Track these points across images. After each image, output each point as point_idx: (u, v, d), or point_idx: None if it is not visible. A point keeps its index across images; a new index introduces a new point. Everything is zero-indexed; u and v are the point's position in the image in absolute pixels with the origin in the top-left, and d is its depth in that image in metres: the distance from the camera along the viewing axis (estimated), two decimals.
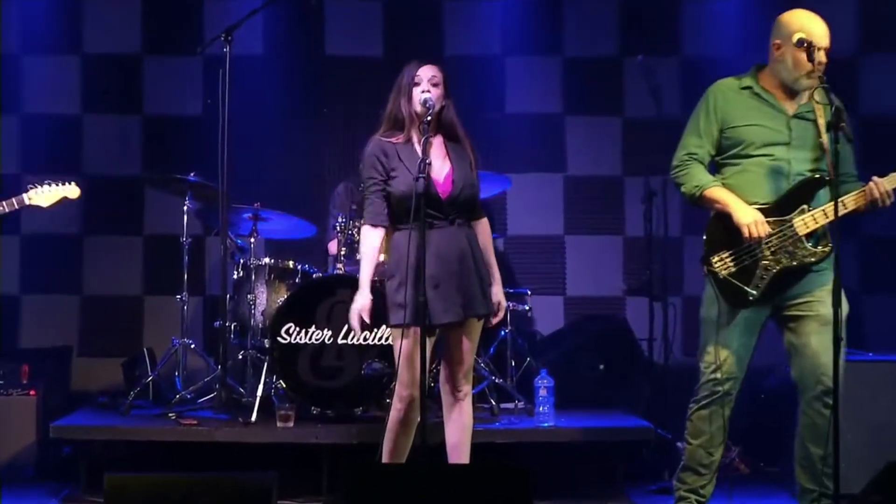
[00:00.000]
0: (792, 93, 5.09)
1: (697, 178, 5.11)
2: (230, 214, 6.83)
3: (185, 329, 7.14)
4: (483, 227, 5.17)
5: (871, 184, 4.93)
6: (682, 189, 5.18)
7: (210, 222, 7.58)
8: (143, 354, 7.53)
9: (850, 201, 4.94)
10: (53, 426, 6.33)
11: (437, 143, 5.02)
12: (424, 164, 4.75)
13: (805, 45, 4.95)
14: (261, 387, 6.57)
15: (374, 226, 4.99)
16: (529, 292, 7.54)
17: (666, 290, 7.58)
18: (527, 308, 7.42)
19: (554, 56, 8.51)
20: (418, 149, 4.92)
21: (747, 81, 5.16)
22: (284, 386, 6.53)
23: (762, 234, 4.92)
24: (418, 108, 4.94)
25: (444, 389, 5.10)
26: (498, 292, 5.12)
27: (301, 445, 6.28)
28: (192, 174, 7.00)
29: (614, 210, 8.45)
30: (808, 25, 5.01)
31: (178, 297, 7.13)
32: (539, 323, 8.14)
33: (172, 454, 6.44)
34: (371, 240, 5.00)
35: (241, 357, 7.03)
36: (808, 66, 4.96)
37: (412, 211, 4.77)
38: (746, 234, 4.92)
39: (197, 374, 7.24)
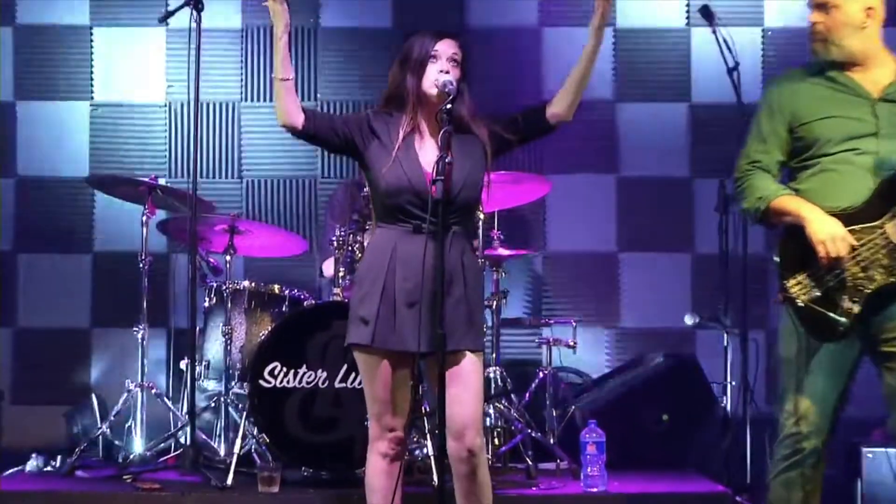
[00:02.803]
0: (876, 71, 5.15)
1: (760, 189, 5.13)
2: (200, 226, 6.88)
3: (144, 370, 7.18)
4: (558, 97, 5.07)
5: None
6: (744, 205, 5.19)
7: (175, 236, 7.62)
8: (91, 401, 7.59)
9: None
10: None
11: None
12: (444, 164, 4.70)
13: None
14: (238, 442, 6.62)
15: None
16: (574, 323, 7.56)
17: (746, 322, 7.57)
18: (571, 343, 7.44)
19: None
20: (425, 141, 4.92)
21: (820, 66, 5.21)
22: (268, 441, 6.57)
23: (842, 252, 4.90)
24: (432, 89, 4.93)
25: (451, 450, 4.99)
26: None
27: None
28: (152, 176, 7.06)
29: (680, 220, 8.49)
30: None
31: (135, 329, 7.18)
32: (587, 362, 8.16)
33: None
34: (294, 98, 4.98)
35: (213, 405, 7.08)
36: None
37: (429, 211, 4.71)
38: (822, 254, 4.90)
39: (159, 426, 7.27)
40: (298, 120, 4.91)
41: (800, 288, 4.96)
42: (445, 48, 4.95)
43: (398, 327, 4.80)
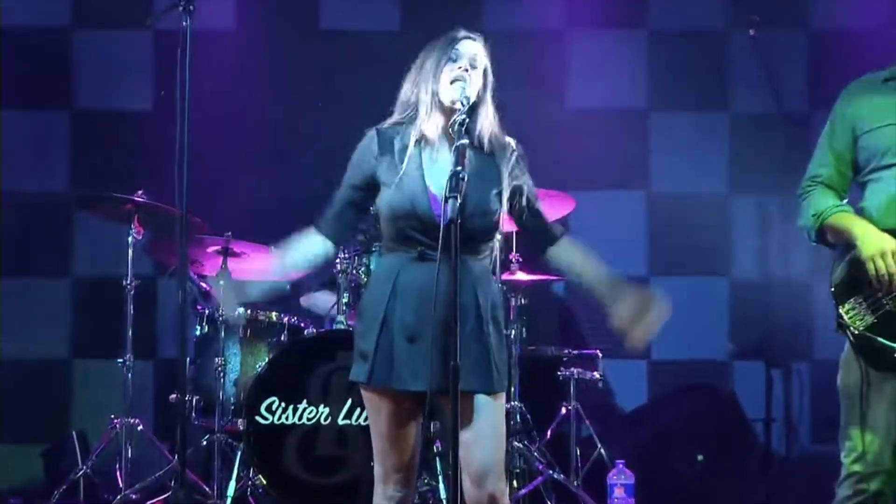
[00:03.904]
0: None
1: (817, 206, 5.11)
2: (191, 248, 6.89)
3: (130, 405, 7.19)
4: (564, 248, 5.14)
5: None
6: (800, 223, 5.18)
7: (162, 259, 7.64)
8: (72, 439, 7.59)
9: None
10: None
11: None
12: (457, 179, 4.62)
13: None
14: (233, 484, 6.63)
15: (318, 229, 5.01)
16: (601, 354, 7.56)
17: (788, 353, 7.59)
18: (597, 376, 7.44)
19: (636, 29, 8.58)
20: (436, 156, 4.87)
21: (894, 71, 5.16)
22: (265, 483, 6.58)
23: (893, 269, 4.88)
24: (445, 93, 4.89)
25: (470, 496, 4.93)
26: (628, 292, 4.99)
27: None
28: (139, 192, 7.07)
29: (716, 241, 8.49)
30: None
31: (120, 361, 7.19)
32: (614, 396, 8.16)
33: None
34: (306, 241, 5.03)
35: (205, 443, 7.09)
36: None
37: (443, 238, 4.67)
38: (872, 272, 4.88)
39: (145, 467, 7.29)
40: (332, 249, 5.01)
41: (854, 314, 4.93)
42: (466, 49, 4.87)
43: (398, 363, 4.75)
